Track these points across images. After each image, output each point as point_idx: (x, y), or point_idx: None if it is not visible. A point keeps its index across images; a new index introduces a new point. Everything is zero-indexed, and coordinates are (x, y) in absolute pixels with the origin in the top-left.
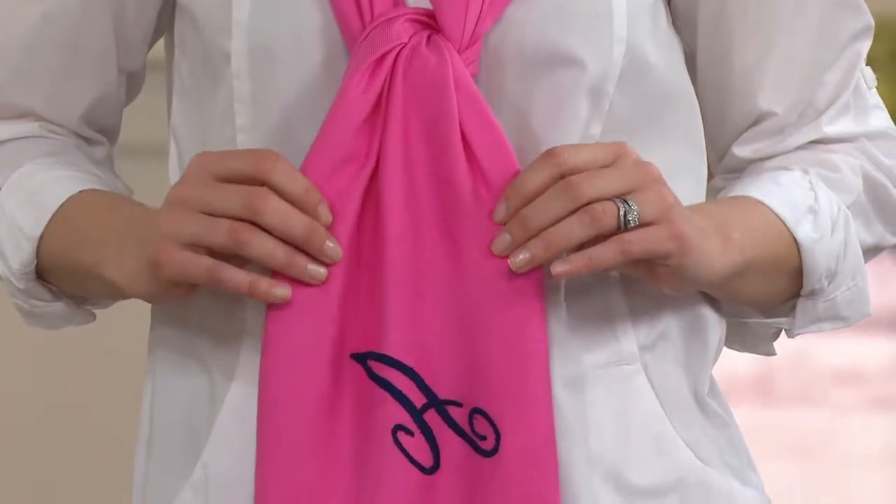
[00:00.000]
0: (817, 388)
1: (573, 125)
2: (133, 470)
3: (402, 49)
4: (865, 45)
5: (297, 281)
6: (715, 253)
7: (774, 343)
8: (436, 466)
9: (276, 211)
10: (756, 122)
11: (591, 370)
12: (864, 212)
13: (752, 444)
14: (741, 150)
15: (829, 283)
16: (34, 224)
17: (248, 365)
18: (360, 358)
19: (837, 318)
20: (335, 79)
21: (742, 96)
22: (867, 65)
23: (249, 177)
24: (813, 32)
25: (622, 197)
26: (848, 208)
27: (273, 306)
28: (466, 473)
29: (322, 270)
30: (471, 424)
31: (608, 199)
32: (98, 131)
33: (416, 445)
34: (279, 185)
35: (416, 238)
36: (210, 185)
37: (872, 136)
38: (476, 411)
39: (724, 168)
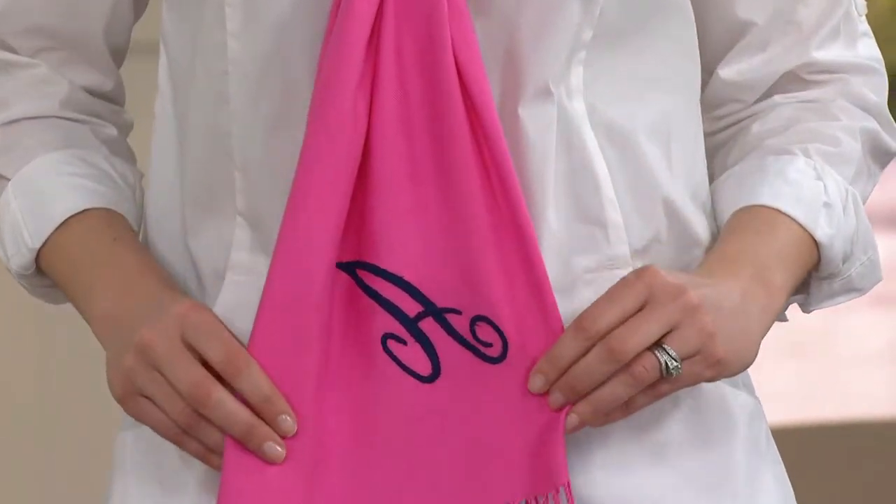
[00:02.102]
0: None
1: (564, 30)
2: None
3: None
4: None
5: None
6: (761, 321)
7: None
8: (435, 375)
9: (217, 406)
10: (738, 37)
11: (583, 274)
12: (866, 169)
13: None
14: (726, 73)
15: (843, 264)
16: (36, 234)
17: (240, 259)
18: (348, 268)
19: (852, 291)
20: None
21: (721, 5)
22: None
23: (217, 369)
24: None
25: (661, 343)
26: (852, 179)
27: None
28: (471, 381)
29: (278, 450)
30: (473, 332)
31: (648, 351)
32: (113, 54)
33: (410, 354)
34: (242, 391)
35: (409, 158)
36: (173, 352)
37: (861, 70)
38: (479, 318)
39: (712, 101)
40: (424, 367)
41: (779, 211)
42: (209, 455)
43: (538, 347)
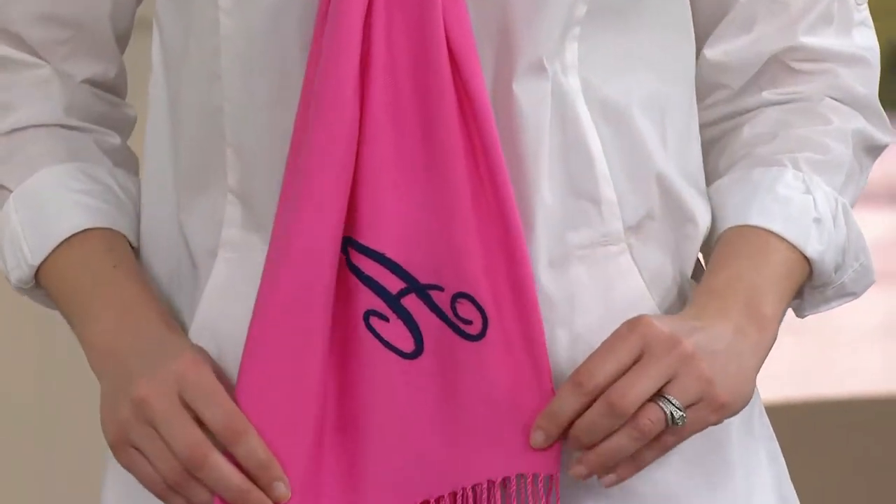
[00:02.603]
0: None
1: (558, 6)
2: None
3: None
4: None
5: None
6: (755, 358)
7: None
8: (418, 351)
9: (213, 470)
10: (725, 11)
11: (576, 250)
12: (857, 170)
13: None
14: (712, 53)
15: (835, 273)
16: (36, 251)
17: (232, 237)
18: (342, 245)
19: (846, 296)
20: None
21: None
22: None
23: (215, 432)
24: None
25: (662, 394)
26: (842, 186)
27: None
28: (451, 358)
29: None
30: (453, 309)
31: (651, 402)
32: (117, 38)
33: (393, 330)
34: (238, 457)
35: (397, 136)
36: (171, 412)
37: (851, 61)
38: (460, 295)
39: (699, 88)
40: (407, 344)
41: (769, 231)
42: None
43: (515, 327)
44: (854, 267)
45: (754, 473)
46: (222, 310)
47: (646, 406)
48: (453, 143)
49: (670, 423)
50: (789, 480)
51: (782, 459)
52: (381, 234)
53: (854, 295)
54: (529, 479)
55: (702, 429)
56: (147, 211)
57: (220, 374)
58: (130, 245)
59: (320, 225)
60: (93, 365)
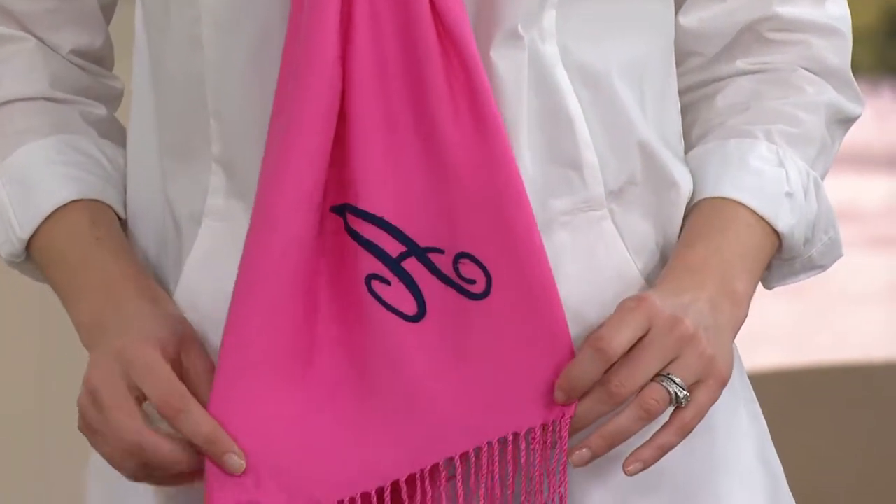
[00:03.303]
0: None
1: None
2: None
3: None
4: None
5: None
6: (731, 333)
7: None
8: (420, 314)
9: (157, 457)
10: None
11: (559, 216)
12: (829, 143)
13: None
14: (687, 20)
15: (804, 247)
16: (24, 225)
17: (216, 205)
18: (341, 211)
19: (814, 268)
20: None
21: None
22: None
23: (157, 410)
24: None
25: (666, 374)
26: (814, 159)
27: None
28: (456, 319)
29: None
30: (456, 270)
31: (655, 382)
32: (103, 8)
33: (395, 294)
34: (182, 433)
35: (385, 100)
36: (115, 399)
37: (825, 32)
38: (462, 256)
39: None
40: (409, 307)
41: (741, 204)
42: (164, 486)
43: (523, 280)
44: (823, 240)
45: (735, 435)
46: (205, 276)
47: (649, 386)
48: (442, 104)
49: (674, 402)
50: (771, 442)
51: (763, 421)
52: (377, 198)
53: (822, 268)
54: (538, 434)
55: (712, 404)
56: (132, 179)
57: (198, 345)
58: (118, 216)
59: (303, 185)
60: (83, 342)
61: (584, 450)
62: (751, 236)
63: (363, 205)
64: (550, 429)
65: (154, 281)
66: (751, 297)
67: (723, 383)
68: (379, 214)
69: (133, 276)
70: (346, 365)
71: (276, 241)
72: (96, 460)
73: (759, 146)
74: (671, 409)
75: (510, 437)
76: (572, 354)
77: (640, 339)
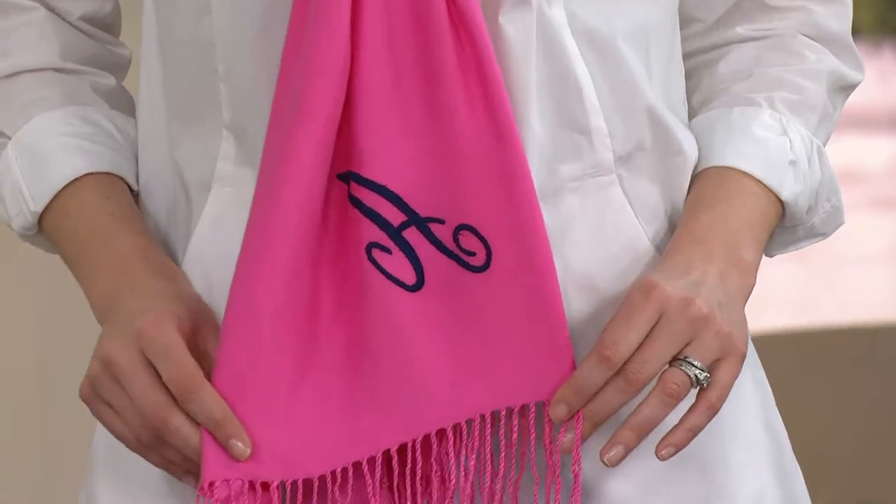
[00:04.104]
0: None
1: None
2: None
3: None
4: None
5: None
6: (742, 303)
7: None
8: (419, 284)
9: (174, 433)
10: None
11: (568, 182)
12: (831, 110)
13: None
14: None
15: (806, 214)
16: (37, 198)
17: (226, 171)
18: (345, 178)
19: (815, 236)
20: None
21: None
22: None
23: (171, 390)
24: None
25: (684, 357)
26: (817, 126)
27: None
28: (454, 290)
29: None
30: (456, 241)
31: (673, 367)
32: None
33: (395, 263)
34: (193, 415)
35: (393, 69)
36: (134, 370)
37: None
38: (462, 227)
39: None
40: (409, 277)
41: (745, 174)
42: (171, 466)
43: (523, 255)
44: (825, 208)
45: (740, 401)
46: (214, 242)
47: (668, 371)
48: (450, 72)
49: (696, 384)
50: (775, 407)
51: (768, 386)
52: (380, 166)
53: (823, 235)
54: (532, 410)
55: (734, 380)
56: (143, 145)
57: (212, 325)
58: (130, 187)
59: (310, 151)
60: (96, 317)
61: (617, 447)
62: (756, 205)
63: (366, 173)
64: (547, 406)
65: (168, 257)
66: (758, 265)
67: (742, 358)
68: (381, 183)
69: (148, 253)
70: (344, 334)
71: (283, 207)
72: (102, 457)
73: (762, 114)
74: (695, 391)
75: (503, 412)
76: (566, 337)
77: (654, 324)
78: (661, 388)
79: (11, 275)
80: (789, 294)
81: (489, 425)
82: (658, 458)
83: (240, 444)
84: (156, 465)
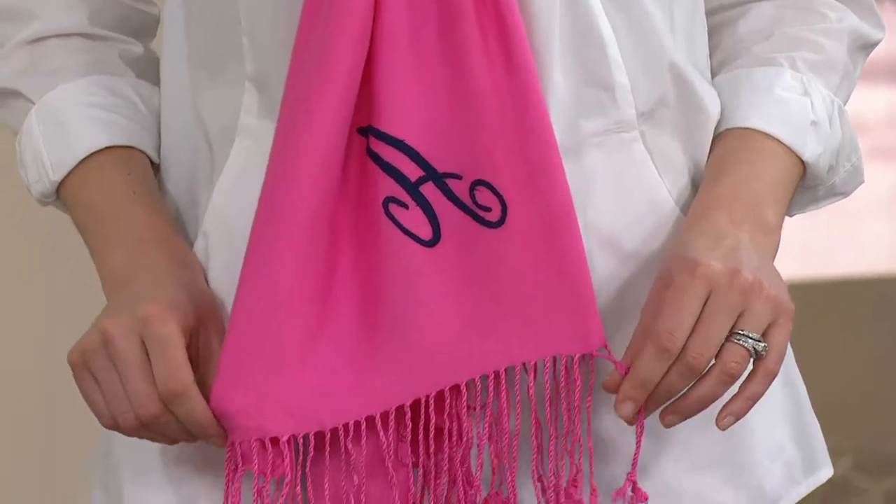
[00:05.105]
0: None
1: None
2: None
3: None
4: None
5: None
6: (771, 262)
7: None
8: (436, 239)
9: (159, 426)
10: None
11: (590, 138)
12: (851, 70)
13: None
14: None
15: (828, 174)
16: (57, 167)
17: (249, 124)
18: (364, 132)
19: (835, 195)
20: None
21: None
22: None
23: (158, 388)
24: None
25: (737, 328)
26: (837, 86)
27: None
28: (470, 246)
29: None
30: (472, 197)
31: (729, 343)
32: None
33: (412, 217)
34: (177, 415)
35: (412, 24)
36: (131, 357)
37: None
38: (479, 183)
39: None
40: (425, 232)
41: (768, 135)
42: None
43: (541, 210)
44: (846, 168)
45: None
46: (237, 195)
47: (727, 349)
48: (470, 30)
49: (754, 356)
50: (795, 364)
51: (788, 344)
52: (399, 121)
53: (844, 194)
54: (548, 367)
55: (788, 340)
56: (166, 98)
57: (217, 320)
58: (151, 160)
59: (334, 102)
60: (105, 293)
61: (675, 415)
62: (778, 166)
63: (385, 127)
64: (563, 362)
65: (185, 241)
66: (781, 226)
67: (792, 316)
68: (399, 137)
69: (165, 234)
70: (359, 289)
71: (304, 158)
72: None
73: (784, 75)
74: None
75: (518, 368)
76: (590, 292)
77: (705, 303)
78: (720, 368)
79: (12, 274)
80: (790, 243)
81: (504, 381)
82: (718, 427)
83: (218, 441)
84: (130, 436)
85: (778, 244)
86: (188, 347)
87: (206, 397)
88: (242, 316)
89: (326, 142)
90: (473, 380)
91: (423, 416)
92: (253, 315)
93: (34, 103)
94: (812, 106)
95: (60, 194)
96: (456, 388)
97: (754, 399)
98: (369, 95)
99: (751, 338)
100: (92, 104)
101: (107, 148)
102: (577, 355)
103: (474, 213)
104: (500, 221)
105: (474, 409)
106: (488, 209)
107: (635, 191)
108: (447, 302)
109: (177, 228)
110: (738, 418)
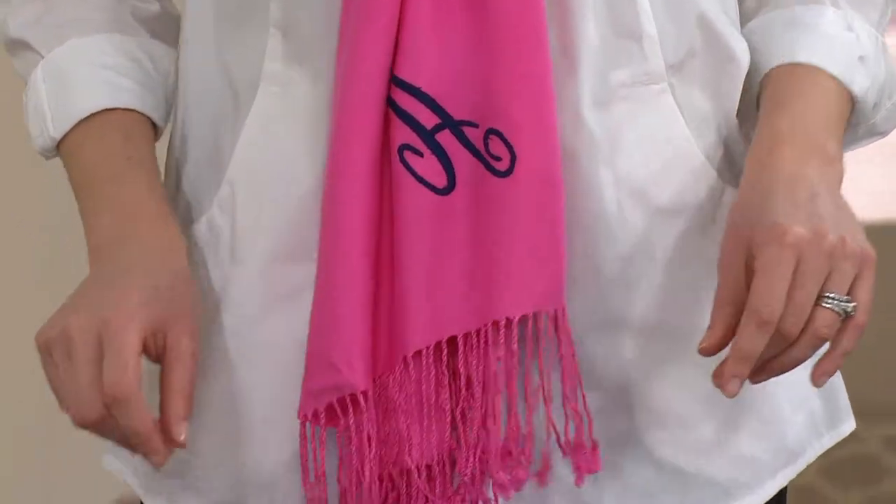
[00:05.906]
0: None
1: None
2: None
3: None
4: None
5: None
6: (840, 192)
7: None
8: (450, 187)
9: (103, 428)
10: None
11: (619, 89)
12: (889, 2)
13: None
14: None
15: (872, 110)
16: (58, 124)
17: (274, 70)
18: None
19: (875, 134)
20: None
21: None
22: None
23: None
24: None
25: (825, 291)
26: (878, 22)
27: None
28: (480, 193)
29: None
30: (486, 145)
31: (818, 307)
32: None
33: (427, 165)
34: (118, 420)
35: None
36: (85, 358)
37: None
38: (491, 132)
39: None
40: (440, 179)
41: (818, 69)
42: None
43: (538, 166)
44: (887, 106)
45: None
46: (263, 141)
47: (818, 315)
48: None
49: (843, 317)
50: None
51: None
52: (418, 69)
53: (882, 134)
54: (530, 323)
55: (872, 289)
56: (187, 44)
57: (188, 321)
58: (155, 125)
59: (376, 51)
60: (89, 257)
61: (763, 374)
62: (831, 99)
63: (402, 74)
64: (547, 317)
65: (172, 211)
66: (842, 157)
67: (874, 263)
68: (416, 85)
69: (156, 209)
70: (377, 233)
71: (355, 105)
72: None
73: (826, 12)
74: None
75: (503, 322)
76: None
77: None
78: (812, 333)
79: (11, 274)
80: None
81: (515, 330)
82: (814, 386)
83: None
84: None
85: (843, 173)
86: (152, 347)
87: (167, 405)
88: (327, 273)
89: (368, 91)
90: (485, 328)
91: (423, 368)
92: (339, 271)
93: (42, 56)
94: (858, 41)
95: (60, 150)
96: (466, 337)
97: (846, 355)
98: (394, 42)
99: (840, 301)
100: (99, 63)
101: (109, 109)
102: (552, 311)
103: (487, 161)
104: (509, 171)
105: (486, 356)
106: (499, 158)
107: (664, 144)
108: (460, 250)
109: (165, 196)
110: (829, 376)
